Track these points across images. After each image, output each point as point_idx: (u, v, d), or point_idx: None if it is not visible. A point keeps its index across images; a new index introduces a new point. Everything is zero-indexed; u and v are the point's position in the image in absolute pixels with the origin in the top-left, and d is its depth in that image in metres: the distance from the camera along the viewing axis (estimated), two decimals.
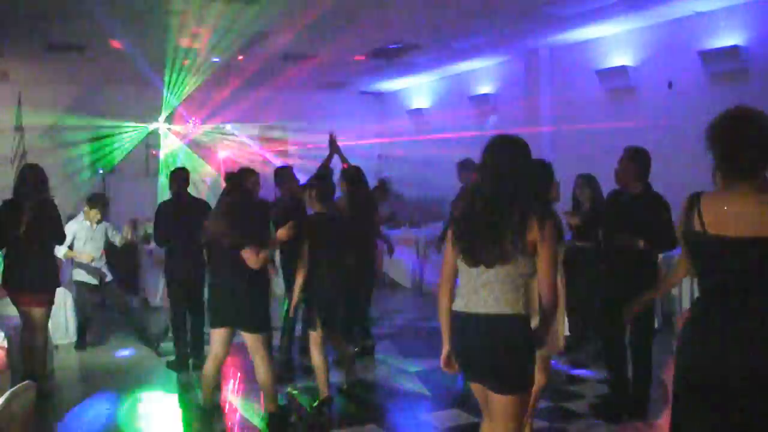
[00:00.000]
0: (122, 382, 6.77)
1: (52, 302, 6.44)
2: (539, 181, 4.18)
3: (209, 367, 5.36)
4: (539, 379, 4.19)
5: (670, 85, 9.31)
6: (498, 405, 3.25)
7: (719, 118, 2.83)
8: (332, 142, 7.95)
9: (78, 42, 9.79)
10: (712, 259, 2.82)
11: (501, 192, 3.22)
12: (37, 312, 6.24)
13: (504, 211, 3.18)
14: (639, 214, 5.22)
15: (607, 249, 5.58)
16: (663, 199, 5.25)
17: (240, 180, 5.49)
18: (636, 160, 5.31)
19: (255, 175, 6.31)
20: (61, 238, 6.59)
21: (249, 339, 5.23)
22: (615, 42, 10.05)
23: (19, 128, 11.56)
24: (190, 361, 7.12)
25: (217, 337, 5.30)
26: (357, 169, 7.43)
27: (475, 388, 3.40)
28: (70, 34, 9.37)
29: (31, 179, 6.19)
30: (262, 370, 5.28)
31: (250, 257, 5.06)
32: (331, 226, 5.73)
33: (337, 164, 7.91)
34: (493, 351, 3.20)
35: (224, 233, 5.10)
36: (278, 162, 12.41)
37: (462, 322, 3.29)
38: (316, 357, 5.64)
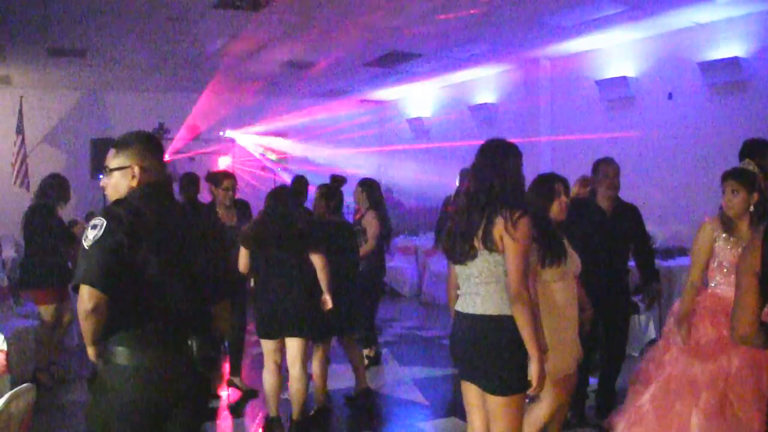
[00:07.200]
0: None
1: (60, 300, 6.62)
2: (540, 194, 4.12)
3: (274, 378, 5.16)
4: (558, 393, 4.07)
5: (669, 96, 9.34)
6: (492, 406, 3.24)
7: None
8: None
9: (79, 47, 9.82)
10: None
11: (477, 190, 3.26)
12: (43, 309, 6.58)
13: (476, 208, 3.22)
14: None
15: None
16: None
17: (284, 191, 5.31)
18: None
19: (231, 178, 6.29)
20: (64, 239, 6.69)
21: (296, 346, 5.07)
22: (615, 53, 10.09)
23: (20, 132, 11.61)
24: None
25: (271, 346, 5.13)
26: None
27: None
28: (72, 39, 9.40)
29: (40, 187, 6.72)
30: (303, 380, 5.11)
31: (321, 260, 5.02)
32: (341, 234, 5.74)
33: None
34: (479, 351, 3.22)
35: (291, 241, 4.96)
36: (280, 170, 12.41)
37: (456, 320, 3.36)
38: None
